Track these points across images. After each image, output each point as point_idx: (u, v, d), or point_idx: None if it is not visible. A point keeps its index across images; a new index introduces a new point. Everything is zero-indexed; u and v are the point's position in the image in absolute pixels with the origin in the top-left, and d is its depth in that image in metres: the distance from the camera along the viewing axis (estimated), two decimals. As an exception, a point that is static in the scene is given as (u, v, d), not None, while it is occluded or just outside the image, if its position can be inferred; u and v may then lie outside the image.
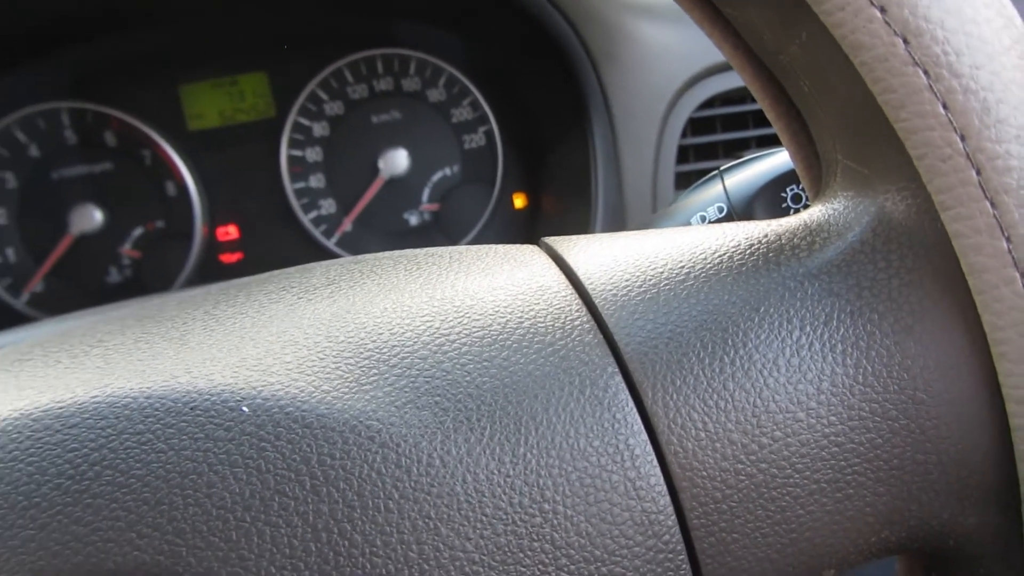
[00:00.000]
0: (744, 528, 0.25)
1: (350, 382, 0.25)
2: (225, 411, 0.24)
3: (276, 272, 0.33)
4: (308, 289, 0.30)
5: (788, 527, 0.25)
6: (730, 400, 0.25)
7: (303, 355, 0.26)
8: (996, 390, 0.25)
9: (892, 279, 0.26)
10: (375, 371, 0.25)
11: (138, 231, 0.95)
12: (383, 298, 0.28)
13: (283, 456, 0.23)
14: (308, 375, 0.25)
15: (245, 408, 0.24)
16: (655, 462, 0.25)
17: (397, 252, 0.32)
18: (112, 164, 0.94)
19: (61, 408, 0.24)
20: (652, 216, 0.59)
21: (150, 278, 0.95)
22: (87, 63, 0.94)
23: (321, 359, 0.25)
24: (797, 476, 0.25)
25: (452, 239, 1.00)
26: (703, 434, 0.25)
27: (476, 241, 1.01)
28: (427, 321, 0.27)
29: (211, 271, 0.97)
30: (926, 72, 0.23)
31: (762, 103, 0.32)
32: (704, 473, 0.25)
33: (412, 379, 0.25)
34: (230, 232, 0.98)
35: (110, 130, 0.94)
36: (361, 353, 0.26)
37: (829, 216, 0.28)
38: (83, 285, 0.95)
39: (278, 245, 0.99)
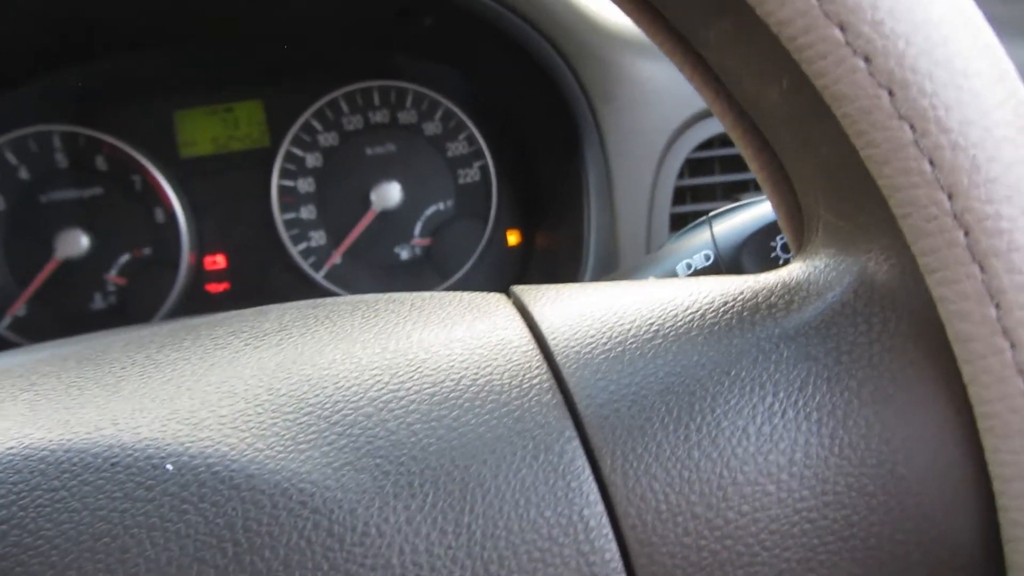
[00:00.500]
0: None
1: (286, 440, 0.23)
2: (148, 468, 0.22)
3: (232, 313, 0.31)
4: (257, 335, 0.28)
5: None
6: (695, 470, 0.23)
7: (240, 408, 0.24)
8: (983, 467, 0.24)
9: (873, 344, 0.24)
10: (314, 428, 0.23)
11: (124, 257, 0.94)
12: (333, 348, 0.26)
13: (206, 520, 0.21)
14: (242, 431, 0.23)
15: (170, 466, 0.22)
16: (611, 536, 0.23)
17: (357, 297, 0.30)
18: (102, 189, 0.93)
19: None
20: (641, 260, 0.57)
21: (135, 305, 0.93)
22: (82, 87, 0.93)
23: (259, 413, 0.24)
24: (765, 554, 0.23)
25: (443, 274, 0.99)
26: (664, 506, 0.23)
27: (468, 276, 0.99)
28: (376, 375, 0.25)
29: (197, 300, 0.96)
30: (912, 126, 0.21)
31: (743, 152, 0.31)
32: (664, 549, 0.23)
33: (353, 438, 0.23)
34: (217, 261, 0.96)
35: (101, 155, 0.93)
36: (302, 408, 0.24)
37: (809, 274, 0.27)
38: (67, 311, 0.93)
39: (266, 276, 0.97)
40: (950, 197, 0.22)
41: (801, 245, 0.30)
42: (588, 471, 0.23)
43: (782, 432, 0.24)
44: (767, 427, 0.24)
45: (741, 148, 0.31)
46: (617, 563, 0.23)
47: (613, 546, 0.23)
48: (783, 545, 0.24)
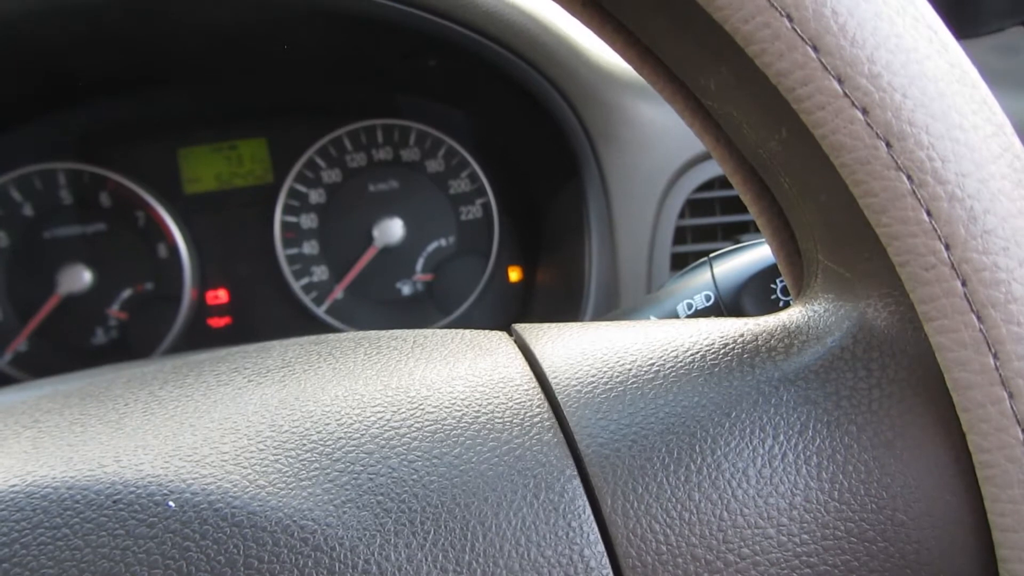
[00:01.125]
0: None
1: (288, 477, 0.23)
2: (150, 505, 0.22)
3: (235, 349, 0.31)
4: (261, 372, 0.28)
5: None
6: (695, 512, 0.24)
7: (242, 445, 0.24)
8: (982, 515, 0.24)
9: (872, 389, 0.25)
10: (316, 465, 0.24)
11: (127, 292, 0.94)
12: (336, 385, 0.27)
13: (207, 557, 0.21)
14: (244, 468, 0.23)
15: (172, 503, 0.22)
16: None
17: (360, 334, 0.31)
18: (105, 225, 0.94)
19: None
20: (642, 299, 0.58)
21: (136, 340, 0.93)
22: (89, 125, 0.94)
23: (260, 450, 0.24)
24: None
25: (445, 310, 0.99)
26: (664, 547, 0.23)
27: (469, 312, 0.99)
28: (378, 412, 0.25)
29: (199, 335, 0.96)
30: (909, 177, 0.22)
31: (744, 197, 0.31)
32: None
33: (355, 476, 0.23)
34: (219, 296, 0.97)
35: (105, 191, 0.94)
36: (304, 445, 0.24)
37: (809, 318, 0.27)
38: (68, 346, 0.93)
39: (268, 311, 0.97)
40: (947, 247, 0.22)
41: (801, 289, 0.30)
42: (588, 510, 0.23)
43: (782, 475, 0.24)
44: (767, 470, 0.24)
45: (741, 193, 0.31)
46: None
47: None
48: None
